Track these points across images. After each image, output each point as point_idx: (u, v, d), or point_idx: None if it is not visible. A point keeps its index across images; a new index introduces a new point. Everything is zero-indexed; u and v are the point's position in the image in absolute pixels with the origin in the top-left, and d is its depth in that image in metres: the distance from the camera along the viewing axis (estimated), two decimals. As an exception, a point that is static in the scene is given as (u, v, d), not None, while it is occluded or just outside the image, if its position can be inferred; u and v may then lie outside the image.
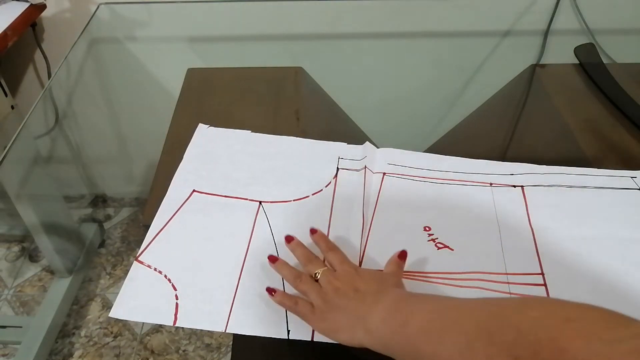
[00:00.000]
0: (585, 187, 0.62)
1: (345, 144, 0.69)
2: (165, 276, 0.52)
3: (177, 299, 0.50)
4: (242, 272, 0.52)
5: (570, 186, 0.62)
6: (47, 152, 1.25)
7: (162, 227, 0.57)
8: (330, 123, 0.91)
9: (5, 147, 0.69)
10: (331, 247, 0.51)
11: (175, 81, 0.86)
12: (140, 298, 0.50)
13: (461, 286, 0.51)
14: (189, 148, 0.68)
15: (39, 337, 1.12)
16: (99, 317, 1.23)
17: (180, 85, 0.84)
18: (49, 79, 1.18)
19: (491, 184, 0.63)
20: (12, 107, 1.10)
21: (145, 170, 1.45)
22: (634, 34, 1.11)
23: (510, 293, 0.50)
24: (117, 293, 0.50)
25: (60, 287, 1.22)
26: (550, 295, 0.50)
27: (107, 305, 1.25)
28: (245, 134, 0.70)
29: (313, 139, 0.70)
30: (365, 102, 1.21)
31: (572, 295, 0.49)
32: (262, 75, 0.86)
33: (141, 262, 0.54)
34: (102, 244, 1.40)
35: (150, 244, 0.55)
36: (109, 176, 1.50)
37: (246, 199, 0.61)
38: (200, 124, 0.72)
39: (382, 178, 0.63)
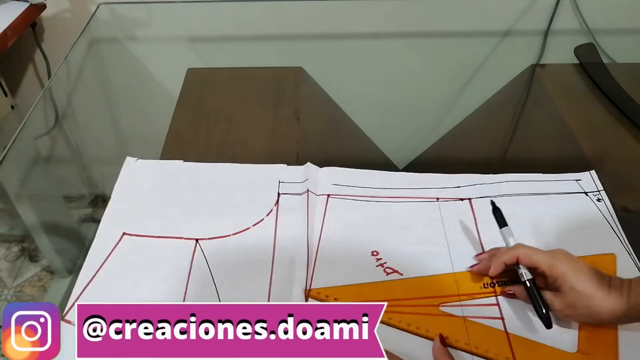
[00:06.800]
0: (533, 194, 0.60)
1: (285, 165, 0.65)
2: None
3: None
4: None
5: (519, 194, 0.60)
6: (47, 152, 1.25)
7: (90, 278, 0.51)
8: (330, 123, 0.91)
9: (5, 147, 0.69)
10: None
11: (175, 81, 0.86)
12: None
13: (418, 313, 0.48)
14: (116, 185, 0.63)
15: (39, 337, 1.11)
16: (99, 317, 1.23)
17: (180, 85, 0.84)
18: (49, 79, 1.18)
19: (437, 198, 0.60)
20: (12, 107, 1.10)
21: (145, 170, 1.45)
22: (634, 34, 1.11)
23: (464, 317, 0.48)
24: (117, 293, 0.48)
25: (60, 287, 1.21)
26: (503, 312, 0.49)
27: (107, 305, 1.25)
28: (177, 164, 0.65)
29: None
30: (365, 102, 1.21)
31: (525, 307, 0.49)
32: (262, 75, 0.86)
33: (69, 322, 0.47)
34: (102, 244, 1.40)
35: (79, 299, 0.49)
36: (109, 176, 1.50)
37: (181, 238, 0.55)
38: (127, 157, 0.66)
39: (327, 200, 0.60)
